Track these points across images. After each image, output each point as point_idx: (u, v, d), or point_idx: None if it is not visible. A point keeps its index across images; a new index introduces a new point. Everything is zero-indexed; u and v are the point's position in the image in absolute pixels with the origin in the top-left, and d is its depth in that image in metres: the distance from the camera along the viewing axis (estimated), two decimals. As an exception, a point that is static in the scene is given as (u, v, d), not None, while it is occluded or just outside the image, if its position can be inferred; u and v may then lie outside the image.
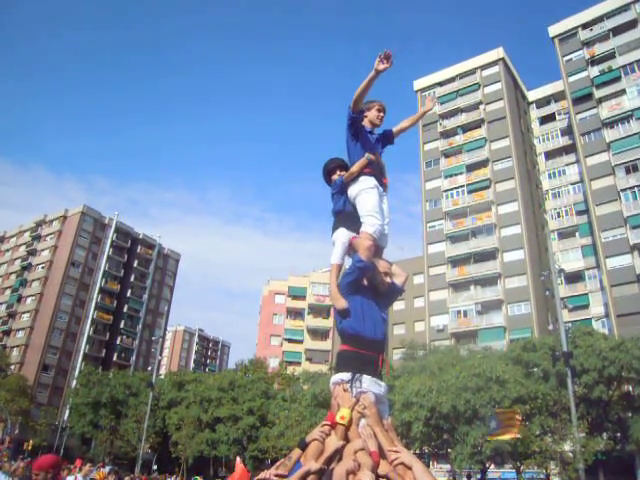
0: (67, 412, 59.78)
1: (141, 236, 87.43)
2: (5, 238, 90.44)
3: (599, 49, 55.12)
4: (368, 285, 3.95)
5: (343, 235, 4.20)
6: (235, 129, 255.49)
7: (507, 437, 18.07)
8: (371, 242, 3.89)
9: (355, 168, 4.28)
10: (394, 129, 4.88)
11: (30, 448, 45.73)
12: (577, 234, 55.30)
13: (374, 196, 4.20)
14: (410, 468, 3.00)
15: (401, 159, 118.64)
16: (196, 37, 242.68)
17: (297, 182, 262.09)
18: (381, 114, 4.63)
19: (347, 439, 3.26)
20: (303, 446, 3.33)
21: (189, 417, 45.31)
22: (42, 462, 5.01)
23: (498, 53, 63.40)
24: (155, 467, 47.35)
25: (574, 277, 52.60)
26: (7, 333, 77.03)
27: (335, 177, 4.54)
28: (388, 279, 4.03)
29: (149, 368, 52.39)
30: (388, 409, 3.82)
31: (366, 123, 4.56)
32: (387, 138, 4.80)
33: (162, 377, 60.44)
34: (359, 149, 4.38)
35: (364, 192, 4.23)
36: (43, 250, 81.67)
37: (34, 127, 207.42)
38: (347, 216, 4.33)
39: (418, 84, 69.07)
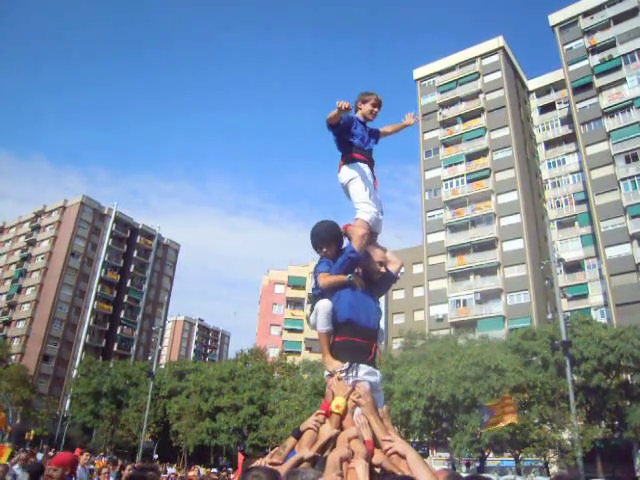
0: (68, 402, 60.11)
1: (140, 226, 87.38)
2: (4, 229, 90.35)
3: (600, 38, 54.79)
4: (362, 274, 3.92)
5: (327, 305, 3.80)
6: (236, 121, 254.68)
7: (503, 425, 18.08)
8: (365, 230, 3.86)
9: (335, 279, 3.86)
10: (380, 130, 4.75)
11: (32, 438, 45.98)
12: (576, 223, 55.29)
13: (367, 184, 4.16)
14: (404, 457, 3.01)
15: (401, 149, 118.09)
16: (196, 33, 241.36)
17: (298, 173, 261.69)
18: (375, 109, 4.48)
19: (341, 428, 3.27)
20: (298, 435, 3.34)
21: (189, 406, 45.58)
22: (60, 459, 5.15)
23: (498, 42, 63.04)
24: (156, 456, 47.63)
25: (573, 266, 52.66)
26: (7, 323, 77.20)
27: (327, 251, 4.08)
28: (383, 268, 3.97)
29: (149, 358, 52.64)
30: (383, 398, 3.82)
31: (359, 116, 4.47)
32: (375, 136, 4.65)
33: (162, 367, 60.68)
34: (349, 146, 4.32)
35: (356, 180, 4.18)
36: (42, 241, 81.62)
37: (35, 119, 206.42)
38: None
39: (418, 73, 68.75)
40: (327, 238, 4.05)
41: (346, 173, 4.27)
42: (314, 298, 4.13)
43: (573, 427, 25.00)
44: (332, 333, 3.84)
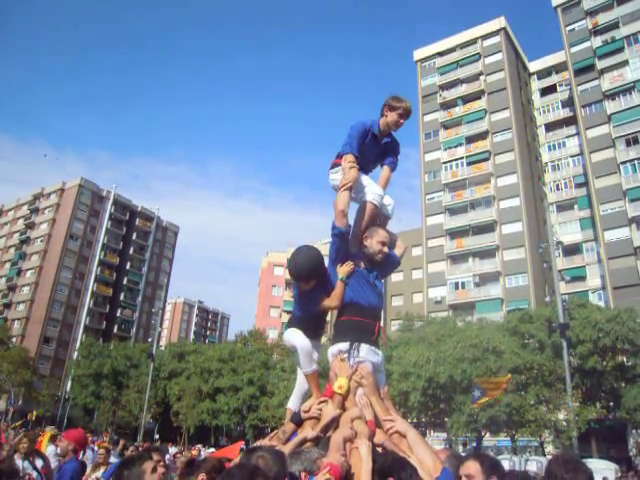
0: (69, 383, 60.56)
1: (139, 208, 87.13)
2: (3, 212, 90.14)
3: (602, 19, 54.08)
4: (364, 254, 3.96)
5: (306, 346, 3.91)
6: (237, 106, 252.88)
7: (489, 399, 18.63)
8: (342, 207, 3.80)
9: (338, 293, 3.83)
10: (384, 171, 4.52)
11: (34, 419, 46.48)
12: (576, 207, 55.26)
13: (362, 175, 4.12)
14: (405, 436, 3.10)
15: (401, 132, 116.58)
16: (197, 26, 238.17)
17: (298, 155, 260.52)
18: (402, 121, 4.25)
19: (344, 408, 3.34)
20: (297, 421, 3.42)
21: (190, 387, 46.00)
22: (69, 433, 5.71)
23: (499, 23, 62.33)
24: (157, 436, 48.20)
25: (572, 249, 52.73)
26: (8, 306, 77.42)
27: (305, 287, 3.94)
28: (386, 249, 3.95)
29: (149, 340, 52.89)
30: (385, 378, 3.90)
31: (381, 124, 4.26)
32: (387, 155, 4.43)
33: (162, 348, 61.06)
34: None
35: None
36: (41, 223, 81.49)
37: (37, 106, 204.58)
38: (304, 320, 4.08)
39: (418, 54, 68.09)
40: (306, 275, 3.81)
41: (336, 177, 4.13)
42: (293, 319, 4.18)
43: (569, 408, 25.31)
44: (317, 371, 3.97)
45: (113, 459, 10.01)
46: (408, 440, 3.05)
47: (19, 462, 6.17)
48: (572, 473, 2.40)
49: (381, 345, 3.94)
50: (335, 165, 4.20)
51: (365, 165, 4.22)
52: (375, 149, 4.28)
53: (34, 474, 5.99)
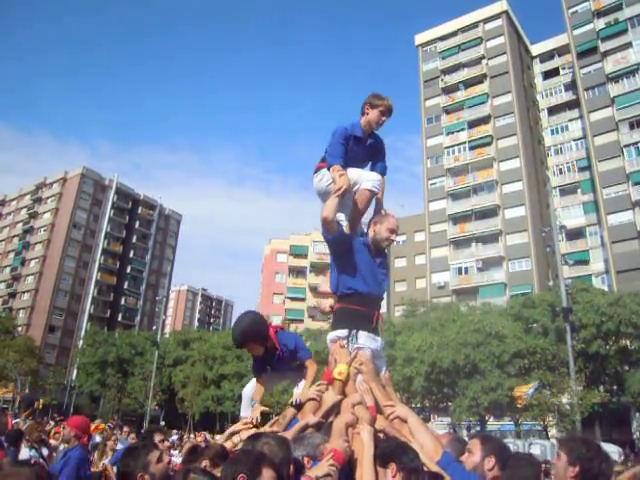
0: (75, 372, 60.98)
1: (142, 197, 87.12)
2: (6, 202, 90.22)
3: (605, 0, 53.46)
4: (372, 241, 3.92)
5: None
6: (239, 94, 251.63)
7: None
8: (325, 215, 3.72)
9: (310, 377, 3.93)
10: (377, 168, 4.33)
11: (41, 407, 46.91)
12: (579, 190, 55.00)
13: (351, 170, 3.98)
14: (405, 421, 3.11)
15: (403, 118, 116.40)
16: (197, 18, 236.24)
17: (300, 143, 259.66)
18: (384, 118, 4.10)
19: (344, 394, 3.36)
20: (298, 406, 3.43)
21: (194, 374, 46.31)
22: (71, 420, 5.77)
23: (501, 6, 61.58)
24: (163, 423, 48.61)
25: (575, 233, 52.60)
26: (13, 296, 77.81)
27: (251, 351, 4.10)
28: (394, 237, 3.91)
29: (154, 327, 53.18)
30: (385, 364, 3.90)
31: (363, 123, 4.13)
32: (372, 158, 4.31)
33: (167, 336, 61.36)
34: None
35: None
36: (44, 213, 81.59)
37: (40, 96, 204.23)
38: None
39: (419, 39, 67.45)
40: (241, 342, 3.95)
41: (320, 183, 4.03)
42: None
43: (572, 392, 25.41)
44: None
45: (120, 446, 10.12)
46: (409, 425, 3.06)
47: (26, 450, 6.27)
48: (605, 464, 2.43)
49: (381, 332, 3.92)
50: (319, 169, 4.11)
51: (353, 167, 4.11)
52: (361, 151, 4.19)
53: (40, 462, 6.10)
